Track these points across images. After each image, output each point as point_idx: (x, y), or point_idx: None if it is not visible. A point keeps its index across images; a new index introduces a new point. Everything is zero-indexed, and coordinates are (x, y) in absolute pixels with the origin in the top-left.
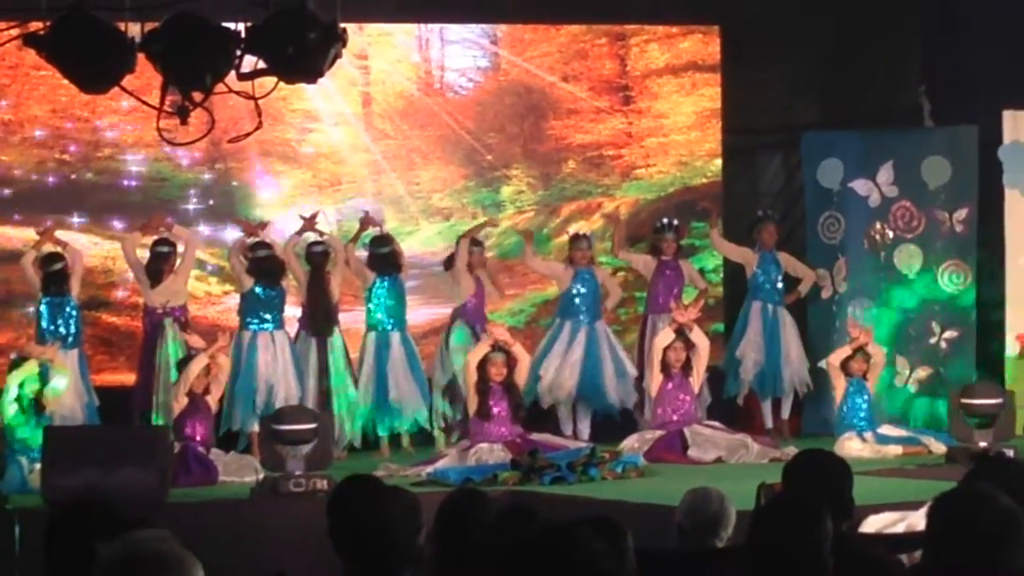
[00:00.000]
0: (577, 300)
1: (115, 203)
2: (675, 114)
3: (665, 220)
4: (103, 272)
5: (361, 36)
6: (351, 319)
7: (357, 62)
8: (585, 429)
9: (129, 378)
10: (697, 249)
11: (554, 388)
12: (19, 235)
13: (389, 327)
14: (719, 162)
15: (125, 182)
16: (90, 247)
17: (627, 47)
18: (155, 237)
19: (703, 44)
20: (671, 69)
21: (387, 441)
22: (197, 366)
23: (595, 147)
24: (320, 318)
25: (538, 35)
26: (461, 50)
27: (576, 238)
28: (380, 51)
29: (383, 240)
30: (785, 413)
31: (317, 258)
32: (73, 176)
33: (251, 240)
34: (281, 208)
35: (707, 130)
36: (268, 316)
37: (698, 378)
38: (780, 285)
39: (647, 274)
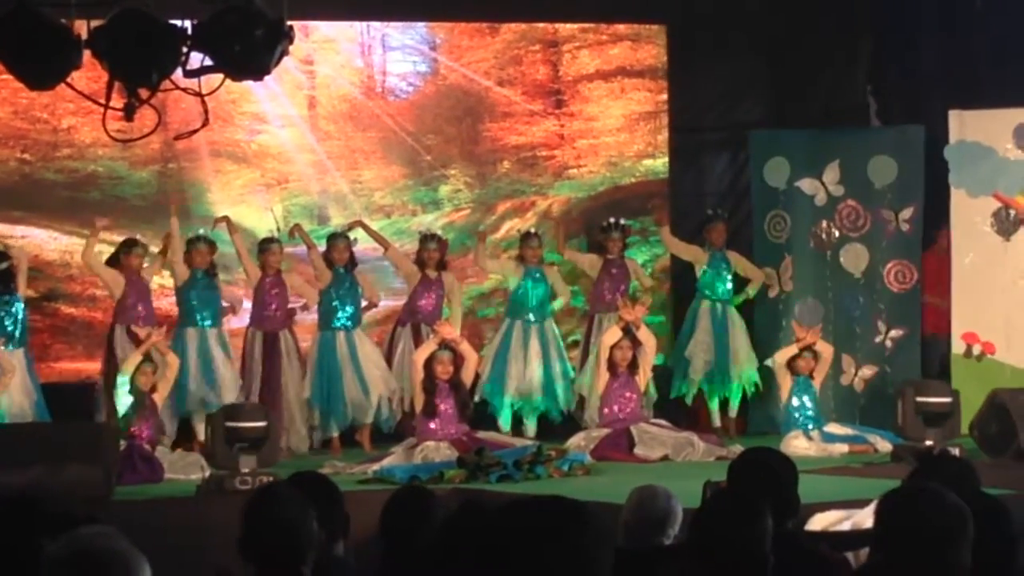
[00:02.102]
0: (527, 299)
1: (74, 200)
2: (605, 117)
3: (612, 219)
4: (61, 266)
5: (307, 42)
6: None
7: (303, 67)
8: (531, 428)
9: (87, 367)
10: (627, 245)
11: (522, 391)
12: None
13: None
14: (648, 162)
15: (83, 180)
16: (49, 242)
17: (559, 53)
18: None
19: (632, 50)
20: (601, 74)
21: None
22: (130, 365)
23: (529, 148)
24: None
25: (475, 41)
26: (402, 56)
27: (527, 236)
28: (325, 56)
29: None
30: (732, 412)
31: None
32: (33, 175)
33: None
34: (231, 206)
35: (635, 132)
36: (206, 312)
37: (644, 376)
38: (730, 285)
39: (592, 273)
